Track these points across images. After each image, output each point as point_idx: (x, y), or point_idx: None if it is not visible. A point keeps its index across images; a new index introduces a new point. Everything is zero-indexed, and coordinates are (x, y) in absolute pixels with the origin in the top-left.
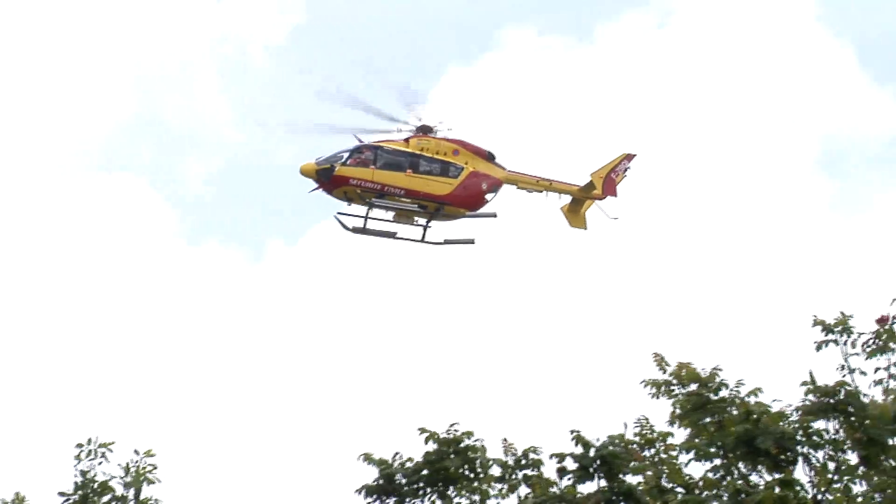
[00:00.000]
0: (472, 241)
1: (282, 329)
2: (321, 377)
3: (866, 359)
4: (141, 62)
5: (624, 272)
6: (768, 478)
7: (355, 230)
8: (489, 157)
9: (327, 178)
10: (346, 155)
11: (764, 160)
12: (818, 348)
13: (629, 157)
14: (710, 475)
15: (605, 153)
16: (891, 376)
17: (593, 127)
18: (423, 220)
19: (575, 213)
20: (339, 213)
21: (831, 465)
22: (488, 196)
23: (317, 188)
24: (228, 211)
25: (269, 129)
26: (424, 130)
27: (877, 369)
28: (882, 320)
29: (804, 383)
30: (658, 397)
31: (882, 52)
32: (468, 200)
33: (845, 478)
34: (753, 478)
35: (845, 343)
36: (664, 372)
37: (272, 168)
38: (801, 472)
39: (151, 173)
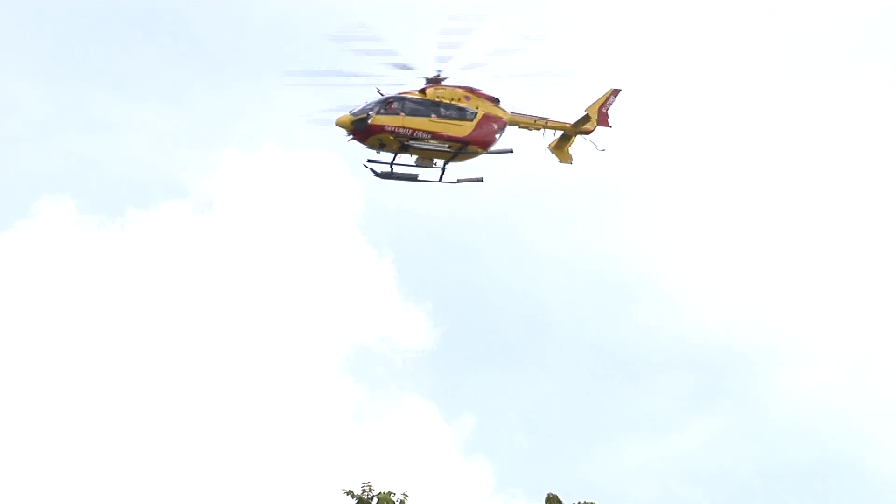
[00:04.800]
0: (482, 179)
1: None
2: None
3: None
4: None
5: None
6: None
7: (383, 175)
8: (495, 101)
9: (362, 127)
10: (376, 106)
11: (291, 365)
12: None
13: (615, 93)
14: None
15: None
16: None
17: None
18: (441, 164)
19: (561, 149)
20: (368, 161)
21: None
22: (497, 135)
23: (351, 138)
24: None
25: None
26: (435, 81)
27: None
28: None
29: None
30: None
31: (419, 268)
32: (484, 139)
33: None
34: None
35: None
36: None
37: None
38: None
39: None
